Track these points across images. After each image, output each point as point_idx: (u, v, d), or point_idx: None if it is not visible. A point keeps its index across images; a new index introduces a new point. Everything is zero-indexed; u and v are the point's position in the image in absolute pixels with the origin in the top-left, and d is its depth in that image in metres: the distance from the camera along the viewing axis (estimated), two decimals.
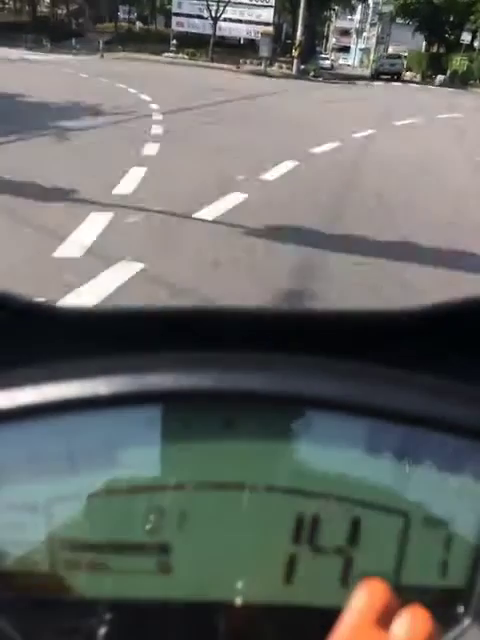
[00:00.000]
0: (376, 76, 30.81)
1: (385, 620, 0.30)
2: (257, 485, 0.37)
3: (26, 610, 0.36)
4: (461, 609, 0.38)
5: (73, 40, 27.08)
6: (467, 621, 0.37)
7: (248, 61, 25.97)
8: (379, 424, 0.36)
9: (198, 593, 0.38)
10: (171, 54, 26.08)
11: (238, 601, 0.38)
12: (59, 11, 43.73)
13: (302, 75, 25.14)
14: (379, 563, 0.38)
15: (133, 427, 0.36)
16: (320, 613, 0.36)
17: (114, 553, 0.37)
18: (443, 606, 0.37)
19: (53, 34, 30.56)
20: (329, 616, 0.33)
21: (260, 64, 24.95)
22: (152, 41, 30.61)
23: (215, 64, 24.57)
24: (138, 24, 39.36)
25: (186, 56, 25.84)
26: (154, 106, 10.14)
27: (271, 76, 23.53)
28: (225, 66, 24.12)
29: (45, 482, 0.36)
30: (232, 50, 29.88)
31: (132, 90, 12.19)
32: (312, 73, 26.05)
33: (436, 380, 0.38)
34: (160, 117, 9.03)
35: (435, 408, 0.36)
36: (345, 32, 72.38)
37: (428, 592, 0.38)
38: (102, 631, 0.37)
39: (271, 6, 28.40)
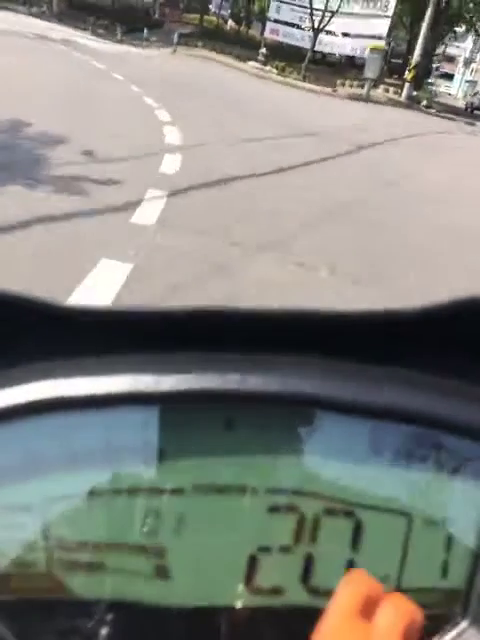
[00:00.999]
0: (470, 110, 26.80)
1: (369, 610, 0.31)
2: (257, 487, 0.36)
3: (22, 611, 0.36)
4: (460, 610, 0.38)
5: (145, 30, 22.98)
6: (466, 622, 0.38)
7: (346, 82, 21.33)
8: (380, 425, 0.36)
9: (196, 597, 0.37)
10: (258, 64, 21.61)
11: (237, 605, 0.37)
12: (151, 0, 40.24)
13: (412, 103, 20.39)
14: (381, 565, 0.38)
15: (131, 428, 0.36)
16: (321, 614, 0.36)
17: (112, 554, 0.36)
18: (442, 606, 0.37)
19: (128, 21, 26.73)
20: None
21: (361, 86, 20.28)
22: (240, 45, 26.30)
23: (307, 84, 20.01)
24: (229, 23, 35.20)
25: (275, 70, 21.35)
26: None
27: (375, 102, 18.90)
28: (318, 88, 19.55)
29: (42, 482, 0.35)
30: (328, 68, 25.27)
31: (168, 131, 7.15)
32: (425, 102, 21.22)
33: (437, 380, 0.37)
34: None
35: (437, 408, 0.36)
36: (451, 59, 67.00)
37: (428, 593, 0.38)
38: (99, 632, 0.36)
39: (388, 17, 22.48)
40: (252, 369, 0.36)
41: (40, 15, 24.84)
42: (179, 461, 0.36)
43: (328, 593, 0.36)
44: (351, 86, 21.17)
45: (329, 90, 19.64)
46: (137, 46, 22.16)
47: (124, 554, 0.36)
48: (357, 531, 0.37)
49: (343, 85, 21.23)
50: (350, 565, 0.37)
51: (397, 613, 0.31)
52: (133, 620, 0.37)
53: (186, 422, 0.36)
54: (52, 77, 9.40)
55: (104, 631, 0.36)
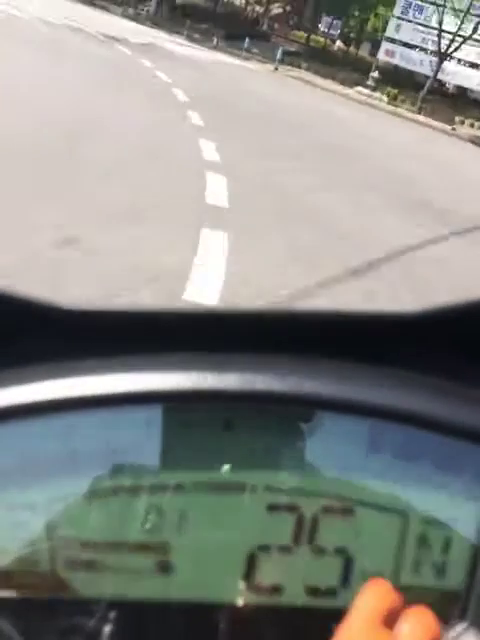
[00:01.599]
0: None
1: (389, 620, 0.31)
2: (256, 485, 0.37)
3: (26, 609, 0.37)
4: (459, 610, 0.38)
5: (246, 40, 20.64)
6: (465, 622, 0.38)
7: (466, 120, 18.17)
8: (379, 424, 0.36)
9: (198, 593, 0.38)
10: (366, 91, 18.78)
11: (238, 601, 0.38)
12: (257, 9, 38.24)
13: None
14: (378, 563, 0.38)
15: (133, 427, 0.36)
16: (320, 613, 0.37)
17: (114, 552, 0.37)
18: (441, 607, 0.37)
19: (230, 28, 24.57)
20: (329, 616, 0.34)
21: None
22: (347, 67, 23.58)
23: (422, 117, 17.02)
24: (338, 43, 32.60)
25: (386, 97, 18.46)
26: None
27: None
28: (435, 123, 16.54)
29: (45, 482, 0.36)
30: (442, 99, 22.11)
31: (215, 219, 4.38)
32: None
33: (436, 381, 0.37)
34: None
35: (435, 409, 0.36)
36: None
37: (427, 593, 0.38)
38: (102, 630, 0.37)
39: None
40: (251, 369, 0.36)
41: (135, 17, 23.01)
42: (179, 459, 0.37)
43: (327, 592, 0.38)
44: (472, 126, 18.00)
45: (448, 128, 16.57)
46: (234, 56, 19.84)
47: (126, 552, 0.37)
48: (355, 529, 0.38)
49: (462, 123, 18.09)
50: (348, 563, 0.38)
51: (420, 626, 0.31)
52: (135, 618, 0.37)
53: (186, 421, 0.36)
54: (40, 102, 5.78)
55: (106, 629, 0.37)
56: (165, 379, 0.35)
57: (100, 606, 0.37)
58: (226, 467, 0.37)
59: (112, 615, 0.37)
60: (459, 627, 0.37)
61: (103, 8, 22.96)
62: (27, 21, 12.15)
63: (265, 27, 32.78)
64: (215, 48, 20.58)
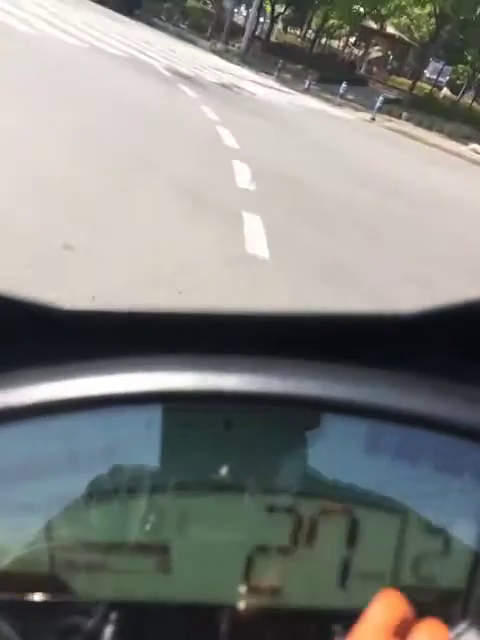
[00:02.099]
0: None
1: (400, 632, 0.31)
2: (255, 487, 0.37)
3: (25, 610, 0.37)
4: (459, 610, 0.38)
5: (343, 85, 18.20)
6: (466, 622, 0.38)
7: None
8: (378, 425, 0.36)
9: (197, 594, 0.38)
10: None
11: (236, 603, 0.38)
12: (355, 51, 36.14)
13: None
14: (377, 564, 0.38)
15: (133, 428, 0.36)
16: (319, 614, 0.37)
17: (113, 553, 0.37)
18: (441, 607, 0.37)
19: (325, 70, 22.32)
20: (328, 617, 0.35)
21: None
22: (456, 118, 20.72)
23: None
24: (444, 91, 29.74)
25: None
26: None
27: None
28: None
29: (45, 482, 0.36)
30: None
31: None
32: None
33: (435, 381, 0.37)
34: None
35: (434, 409, 0.36)
36: None
37: (426, 593, 0.38)
38: (101, 631, 0.37)
39: None
40: (251, 370, 0.36)
41: (223, 53, 21.11)
42: (179, 461, 0.36)
43: (326, 594, 0.38)
44: None
45: None
46: (325, 101, 17.44)
47: (126, 552, 0.37)
48: (353, 530, 0.38)
49: None
50: (346, 564, 0.38)
51: (432, 637, 0.31)
52: (134, 619, 0.37)
53: (186, 422, 0.36)
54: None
55: (106, 630, 0.37)
56: (165, 380, 0.35)
57: (99, 607, 0.37)
58: (225, 468, 0.37)
59: (111, 616, 0.37)
60: (459, 627, 0.37)
61: (190, 41, 21.23)
62: (64, 43, 10.06)
63: (362, 71, 30.50)
64: (306, 91, 18.25)
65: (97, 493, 0.36)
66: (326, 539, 0.38)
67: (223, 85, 11.99)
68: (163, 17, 23.79)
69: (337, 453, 0.37)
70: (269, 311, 0.36)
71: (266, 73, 19.78)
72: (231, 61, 19.86)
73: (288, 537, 0.37)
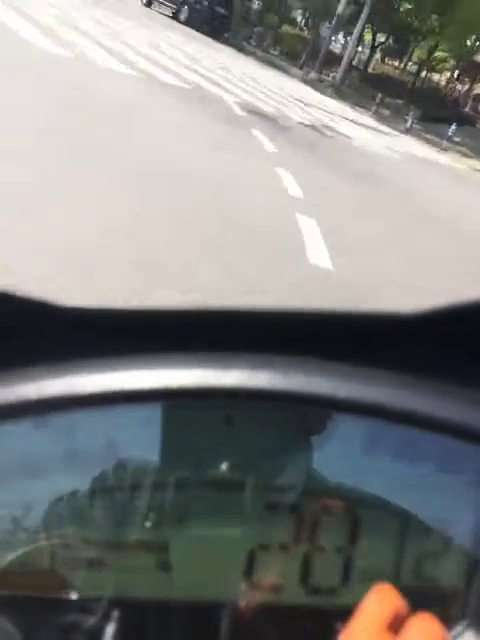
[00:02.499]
0: None
1: (395, 626, 0.31)
2: (256, 484, 0.37)
3: (26, 608, 0.36)
4: (459, 610, 0.38)
5: (452, 126, 15.68)
6: (465, 622, 0.37)
7: None
8: (379, 424, 0.36)
9: (198, 591, 0.38)
10: None
11: (238, 600, 0.38)
12: (459, 86, 33.37)
13: None
14: (378, 563, 0.38)
15: (133, 425, 0.36)
16: (320, 612, 0.37)
17: (114, 550, 0.37)
18: (441, 606, 0.37)
19: (428, 107, 19.84)
20: (329, 615, 0.35)
21: None
22: None
23: None
24: None
25: None
26: None
27: None
28: None
29: (45, 479, 0.36)
30: None
31: None
32: None
33: (437, 381, 0.37)
34: None
35: (435, 409, 0.36)
36: None
37: (426, 592, 0.38)
38: (102, 628, 0.37)
39: None
40: (251, 368, 0.35)
41: (316, 83, 18.99)
42: (180, 458, 0.37)
43: (326, 592, 0.37)
44: None
45: None
46: (429, 144, 14.98)
47: (127, 550, 0.37)
48: (354, 528, 0.37)
49: None
50: (348, 562, 0.38)
51: (426, 633, 0.31)
52: (135, 616, 0.37)
53: (186, 420, 0.36)
54: None
55: (106, 627, 0.36)
56: (165, 377, 0.35)
57: (100, 604, 0.36)
58: (226, 465, 0.36)
59: (112, 613, 0.36)
60: (459, 627, 0.37)
61: (280, 69, 19.25)
62: (108, 71, 8.08)
63: (468, 109, 27.74)
64: (407, 131, 15.86)
65: (98, 490, 0.36)
66: (327, 537, 0.37)
67: (312, 127, 9.66)
68: (253, 42, 21.98)
69: (338, 451, 0.37)
70: (270, 308, 0.35)
71: (363, 108, 17.52)
72: (324, 93, 17.69)
73: (289, 534, 0.37)
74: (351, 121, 13.31)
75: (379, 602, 0.32)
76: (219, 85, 9.58)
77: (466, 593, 0.38)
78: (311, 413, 0.36)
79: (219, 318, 0.36)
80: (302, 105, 12.05)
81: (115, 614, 0.36)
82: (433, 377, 0.37)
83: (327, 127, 10.39)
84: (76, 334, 0.35)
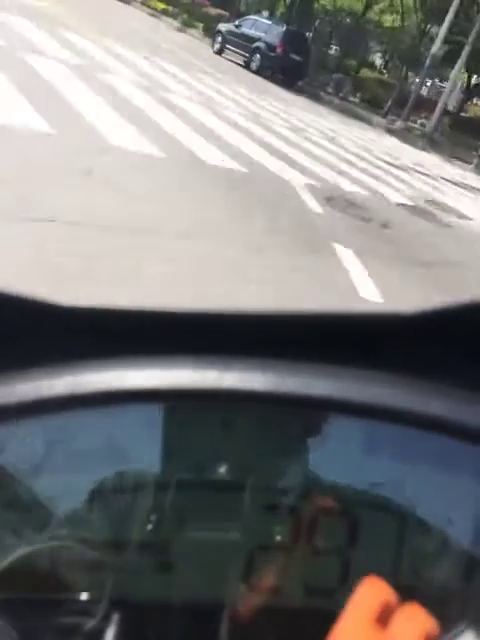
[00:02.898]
0: None
1: (384, 618, 0.31)
2: (255, 485, 0.37)
3: (26, 609, 0.36)
4: (458, 610, 0.38)
5: None
6: (464, 622, 0.37)
7: None
8: (377, 425, 0.36)
9: (197, 592, 0.38)
10: None
11: (237, 601, 0.38)
12: None
13: None
14: (377, 563, 0.38)
15: (132, 426, 0.36)
16: (319, 612, 0.37)
17: (114, 552, 0.37)
18: (440, 606, 0.36)
19: None
20: (328, 615, 0.34)
21: None
22: None
23: None
24: None
25: None
26: None
27: None
28: None
29: (45, 480, 0.36)
30: None
31: None
32: None
33: (435, 382, 0.37)
34: None
35: (434, 410, 0.36)
36: None
37: (426, 593, 0.38)
38: (102, 629, 0.36)
39: None
40: (250, 370, 0.35)
41: (404, 133, 16.40)
42: (179, 459, 0.37)
43: (325, 593, 0.37)
44: None
45: None
46: None
47: (127, 551, 0.37)
48: (353, 529, 0.37)
49: None
50: (346, 563, 0.38)
51: (414, 623, 0.31)
52: (135, 617, 0.37)
53: (186, 421, 0.36)
54: None
55: (107, 628, 0.36)
56: (165, 378, 0.35)
57: (100, 605, 0.36)
58: (225, 467, 0.36)
59: (112, 614, 0.36)
60: (458, 627, 0.37)
61: (361, 118, 16.81)
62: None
63: None
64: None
65: (97, 492, 0.36)
66: (326, 538, 0.37)
67: (418, 210, 6.88)
68: (330, 89, 19.73)
69: (337, 453, 0.37)
70: (269, 311, 0.35)
71: (461, 160, 14.75)
72: (415, 145, 15.08)
73: (288, 536, 0.37)
74: (456, 184, 10.58)
75: (368, 595, 0.32)
76: (287, 157, 7.14)
77: (465, 593, 0.38)
78: (310, 415, 0.36)
79: (219, 321, 0.36)
80: (395, 170, 9.47)
81: (115, 616, 0.36)
82: (432, 377, 0.36)
83: (435, 203, 7.72)
84: (76, 334, 0.35)
